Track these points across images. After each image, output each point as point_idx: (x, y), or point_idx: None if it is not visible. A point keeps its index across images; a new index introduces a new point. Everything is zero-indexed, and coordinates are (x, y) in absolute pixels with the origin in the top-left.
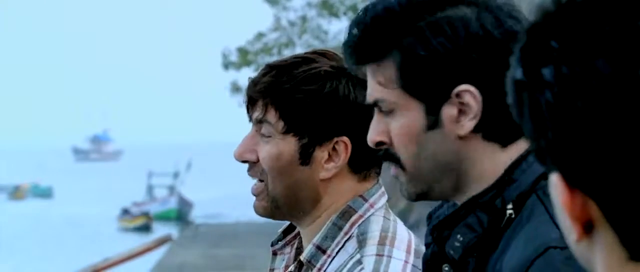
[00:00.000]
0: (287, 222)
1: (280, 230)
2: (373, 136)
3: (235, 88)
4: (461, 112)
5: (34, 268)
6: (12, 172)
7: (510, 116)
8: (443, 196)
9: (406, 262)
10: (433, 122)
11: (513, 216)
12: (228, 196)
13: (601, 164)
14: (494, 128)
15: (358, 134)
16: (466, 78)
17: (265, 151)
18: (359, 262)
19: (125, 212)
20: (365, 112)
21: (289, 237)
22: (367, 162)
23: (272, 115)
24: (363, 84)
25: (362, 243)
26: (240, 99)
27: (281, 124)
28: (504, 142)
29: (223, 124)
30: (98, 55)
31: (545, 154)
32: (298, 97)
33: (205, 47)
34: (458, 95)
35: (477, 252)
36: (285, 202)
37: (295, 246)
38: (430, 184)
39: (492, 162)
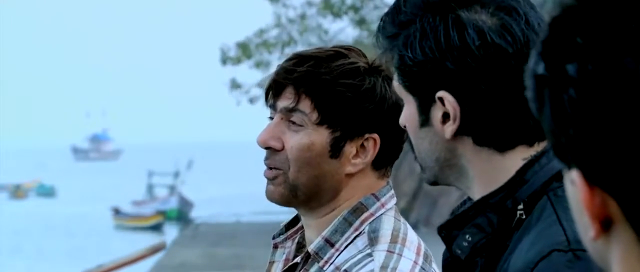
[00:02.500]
0: (291, 217)
1: (283, 224)
2: (400, 119)
3: (235, 85)
4: (445, 115)
5: (41, 267)
6: (12, 171)
7: (501, 124)
8: (452, 185)
9: (415, 263)
10: (424, 120)
11: (523, 216)
12: (228, 195)
13: (623, 161)
14: (483, 134)
15: (388, 132)
16: (444, 85)
17: (296, 140)
18: (369, 255)
19: (117, 211)
20: (398, 112)
21: (290, 231)
22: (389, 160)
23: (306, 105)
24: None
25: (373, 241)
26: (239, 95)
27: (315, 114)
28: (499, 148)
29: (223, 123)
30: (97, 54)
31: (565, 151)
32: (338, 90)
33: (205, 46)
34: (441, 100)
35: (486, 252)
36: (305, 192)
37: (296, 240)
38: (435, 174)
39: (491, 165)
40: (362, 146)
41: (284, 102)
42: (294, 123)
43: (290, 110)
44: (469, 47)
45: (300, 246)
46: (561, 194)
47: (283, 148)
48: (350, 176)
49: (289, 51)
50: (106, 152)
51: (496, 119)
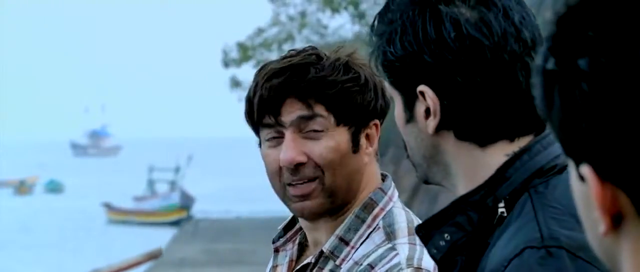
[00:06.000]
0: (288, 219)
1: (281, 227)
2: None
3: (235, 83)
4: (428, 110)
5: (54, 265)
6: (10, 167)
7: (481, 117)
8: (440, 184)
9: None
10: (410, 116)
11: (505, 214)
12: (228, 190)
13: (636, 155)
14: (464, 128)
15: (383, 115)
16: (424, 79)
17: (322, 146)
18: (393, 248)
19: (109, 207)
20: (383, 94)
21: (289, 233)
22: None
23: (322, 110)
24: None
25: (391, 235)
26: (240, 93)
27: (332, 117)
28: (480, 142)
29: (222, 119)
30: (96, 50)
31: (576, 146)
32: (345, 88)
33: (205, 41)
34: (422, 94)
35: (466, 251)
36: (342, 195)
37: (297, 241)
38: (424, 171)
39: (472, 160)
40: (367, 135)
41: (294, 114)
42: (313, 131)
43: (308, 119)
44: (445, 39)
45: (302, 247)
46: (542, 191)
47: (308, 160)
48: (364, 167)
49: (287, 48)
50: (105, 148)
51: (475, 112)
